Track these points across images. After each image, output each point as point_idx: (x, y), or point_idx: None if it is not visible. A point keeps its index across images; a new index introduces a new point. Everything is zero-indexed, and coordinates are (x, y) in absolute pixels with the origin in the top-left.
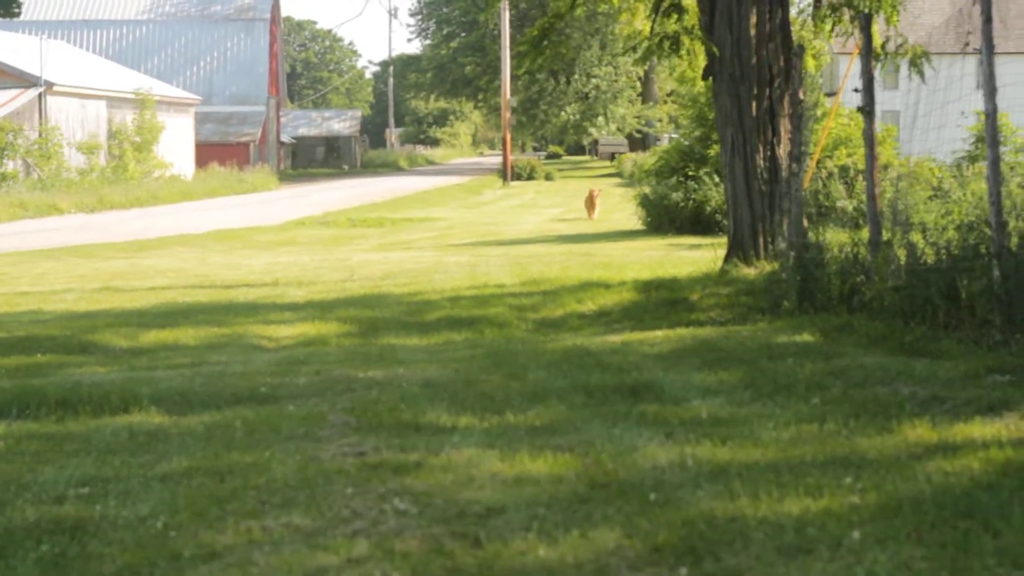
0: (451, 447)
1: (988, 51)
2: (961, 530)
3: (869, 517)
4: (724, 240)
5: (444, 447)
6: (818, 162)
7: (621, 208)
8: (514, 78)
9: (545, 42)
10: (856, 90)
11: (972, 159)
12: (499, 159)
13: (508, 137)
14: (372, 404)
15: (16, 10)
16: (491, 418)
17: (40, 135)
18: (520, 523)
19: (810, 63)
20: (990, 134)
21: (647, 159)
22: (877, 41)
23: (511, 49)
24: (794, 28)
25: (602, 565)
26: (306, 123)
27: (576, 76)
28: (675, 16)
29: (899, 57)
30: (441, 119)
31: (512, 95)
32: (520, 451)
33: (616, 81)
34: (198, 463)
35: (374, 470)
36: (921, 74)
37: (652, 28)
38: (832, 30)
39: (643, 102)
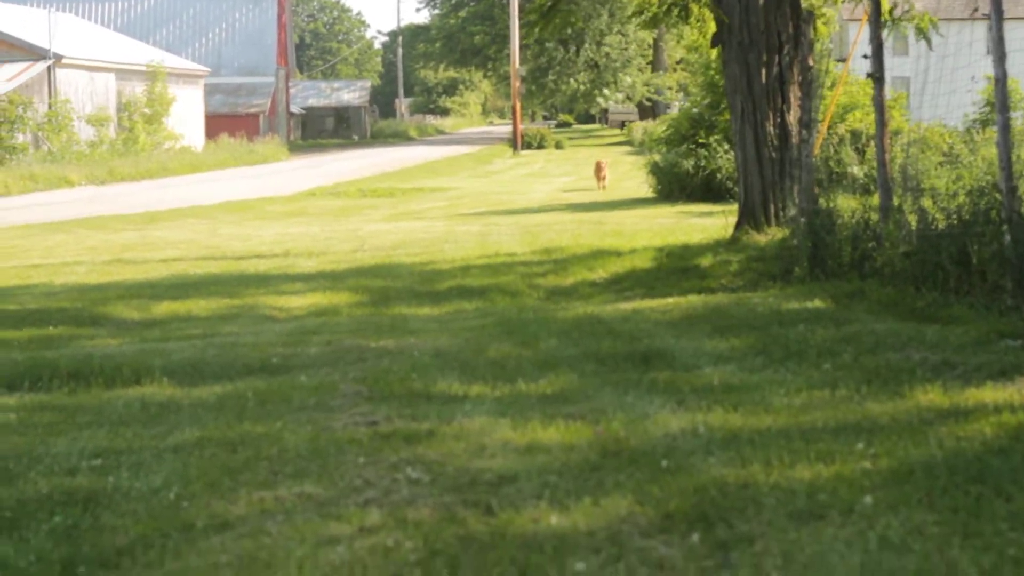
0: (463, 416)
1: (997, 16)
2: (973, 495)
3: (881, 482)
4: (735, 207)
5: (456, 416)
6: (829, 127)
7: (632, 176)
8: (523, 47)
9: (554, 11)
10: (865, 56)
11: (983, 124)
12: (509, 128)
13: (518, 106)
14: (384, 374)
15: None
16: (502, 387)
17: (50, 108)
18: (532, 491)
19: (821, 30)
20: (1000, 99)
21: (657, 127)
22: (885, 7)
23: (520, 18)
24: None
25: (614, 532)
26: (315, 94)
27: (586, 45)
28: None
29: (906, 23)
30: (451, 89)
31: (521, 64)
32: (532, 419)
33: (626, 49)
34: (210, 434)
35: (386, 439)
36: (928, 41)
37: None
38: None
39: (653, 70)
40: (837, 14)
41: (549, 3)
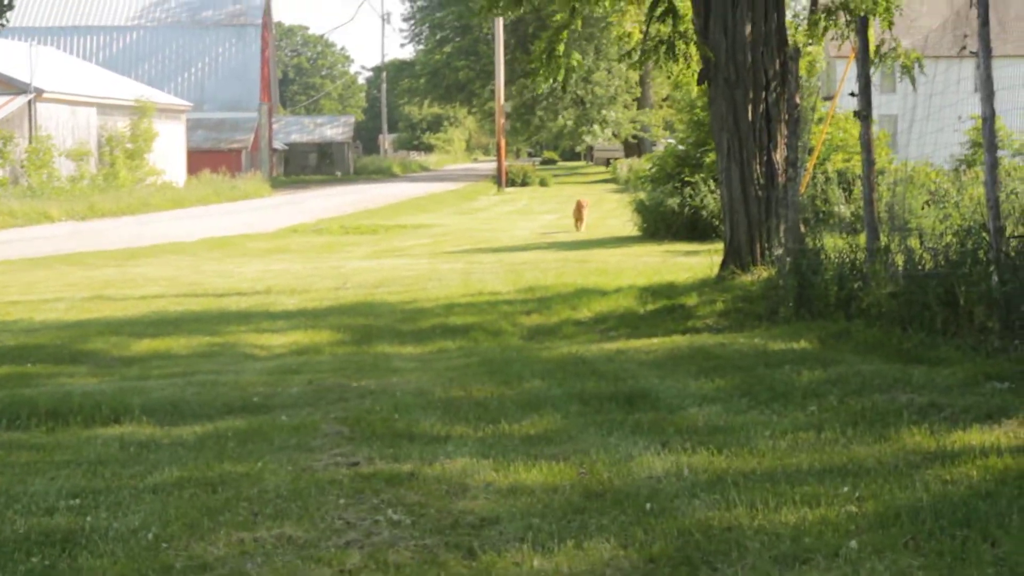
0: (445, 457)
1: (985, 54)
2: (959, 539)
3: (866, 526)
4: (721, 246)
5: (438, 457)
6: (815, 166)
7: (617, 214)
8: (508, 83)
9: (555, 56)
10: (852, 94)
11: (968, 164)
12: (493, 165)
13: (503, 143)
14: (365, 413)
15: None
16: (485, 427)
17: (31, 142)
18: (514, 533)
19: (806, 68)
20: (987, 138)
21: (643, 164)
22: (873, 45)
23: (505, 56)
24: (790, 32)
25: None
26: (298, 129)
27: (572, 81)
28: (670, 20)
29: (893, 61)
30: (435, 125)
31: (506, 100)
32: (514, 460)
33: (611, 86)
34: (190, 474)
35: (367, 480)
36: (912, 80)
37: (647, 33)
38: (825, 33)
39: (639, 107)
40: (823, 52)
41: (547, 48)
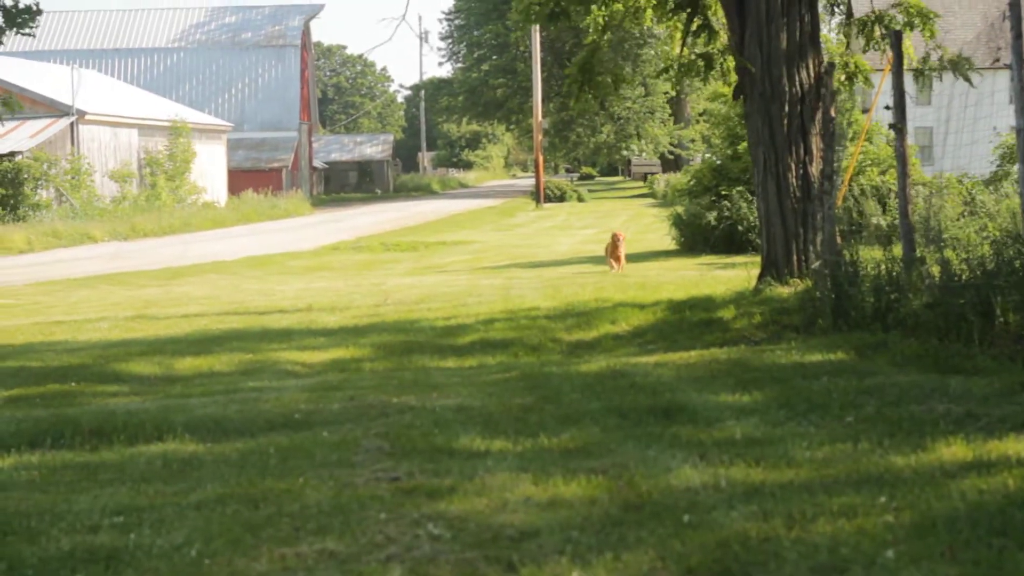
0: (485, 471)
1: (1019, 66)
2: (996, 548)
3: (903, 536)
4: (758, 259)
5: (478, 471)
6: (850, 179)
7: (654, 229)
8: (546, 100)
9: (593, 69)
10: (888, 107)
11: (997, 179)
12: (532, 181)
13: (540, 159)
14: (406, 429)
15: (30, 28)
16: (525, 441)
17: (71, 164)
18: (554, 546)
19: (861, 80)
20: (1022, 149)
21: (680, 179)
22: (912, 56)
23: (542, 73)
24: (825, 46)
25: None
26: (338, 148)
27: (611, 97)
28: (705, 36)
29: (938, 71)
30: (473, 142)
31: (544, 117)
32: (554, 474)
33: (648, 101)
34: (232, 490)
35: (408, 495)
36: (968, 80)
37: (681, 49)
38: (867, 46)
39: (675, 122)
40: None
41: (581, 67)
